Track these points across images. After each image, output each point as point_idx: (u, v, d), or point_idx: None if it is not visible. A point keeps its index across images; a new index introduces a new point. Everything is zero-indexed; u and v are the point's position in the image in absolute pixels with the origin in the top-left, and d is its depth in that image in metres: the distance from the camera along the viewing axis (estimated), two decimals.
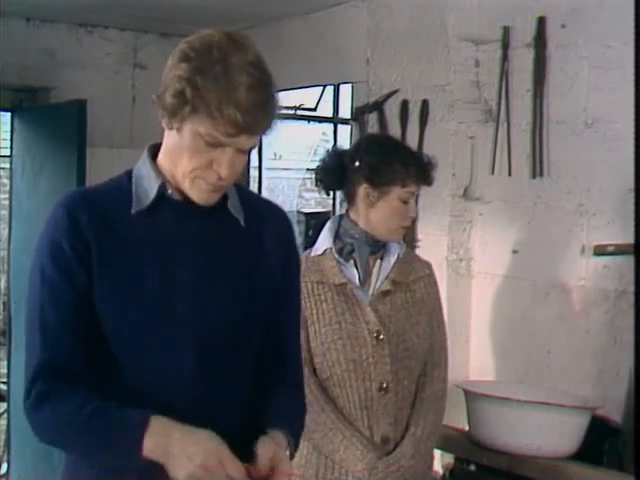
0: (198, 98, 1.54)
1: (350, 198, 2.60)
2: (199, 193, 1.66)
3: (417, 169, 2.56)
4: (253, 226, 1.77)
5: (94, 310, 1.64)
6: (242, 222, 1.74)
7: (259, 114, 1.57)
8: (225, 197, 1.72)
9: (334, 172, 2.61)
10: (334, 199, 5.15)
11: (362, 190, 2.55)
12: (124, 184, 1.71)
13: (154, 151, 1.73)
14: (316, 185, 2.70)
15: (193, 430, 1.56)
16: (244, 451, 1.77)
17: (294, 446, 1.74)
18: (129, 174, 1.73)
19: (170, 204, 1.69)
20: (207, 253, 1.71)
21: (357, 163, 2.56)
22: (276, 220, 1.84)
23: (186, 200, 1.69)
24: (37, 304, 1.65)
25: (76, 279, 1.63)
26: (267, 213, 1.84)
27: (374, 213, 2.55)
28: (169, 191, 1.69)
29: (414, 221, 3.80)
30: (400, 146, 2.70)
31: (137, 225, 1.67)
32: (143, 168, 1.72)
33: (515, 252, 3.60)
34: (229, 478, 1.53)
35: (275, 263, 1.79)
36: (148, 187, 1.69)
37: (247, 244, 1.76)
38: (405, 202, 2.55)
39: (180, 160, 1.63)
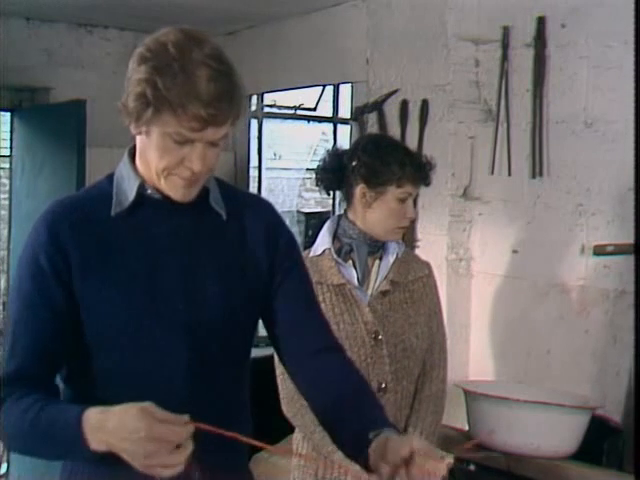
0: (159, 98, 1.53)
1: (348, 198, 2.60)
2: (175, 189, 1.65)
3: (414, 169, 2.54)
4: (236, 218, 1.76)
5: (73, 322, 1.64)
6: (224, 216, 1.74)
7: (222, 105, 1.55)
8: (206, 192, 1.72)
9: (334, 172, 2.61)
10: (334, 199, 5.16)
11: (359, 190, 2.54)
12: (105, 188, 1.71)
13: (134, 153, 1.73)
14: (316, 185, 2.70)
15: (123, 417, 1.47)
16: (242, 450, 1.77)
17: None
18: (110, 177, 1.73)
19: (150, 203, 1.69)
20: (191, 249, 1.70)
21: (354, 163, 2.55)
22: (259, 208, 1.83)
23: (166, 199, 1.69)
24: (14, 312, 1.66)
25: (52, 294, 1.63)
26: (249, 203, 1.82)
27: (371, 213, 2.55)
28: (148, 191, 1.69)
29: (413, 221, 3.82)
30: (397, 146, 2.68)
31: (119, 227, 1.67)
32: (124, 170, 1.72)
33: (515, 252, 3.60)
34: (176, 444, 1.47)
35: (260, 253, 1.77)
36: (128, 188, 1.69)
37: (230, 237, 1.75)
38: (402, 202, 2.54)
39: (152, 160, 1.63)
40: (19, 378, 1.62)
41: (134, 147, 1.72)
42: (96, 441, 1.49)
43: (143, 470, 1.47)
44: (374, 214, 2.54)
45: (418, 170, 2.56)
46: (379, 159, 2.53)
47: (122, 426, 1.46)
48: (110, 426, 1.47)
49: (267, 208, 1.85)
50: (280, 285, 1.79)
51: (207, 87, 1.53)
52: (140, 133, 1.62)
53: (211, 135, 1.58)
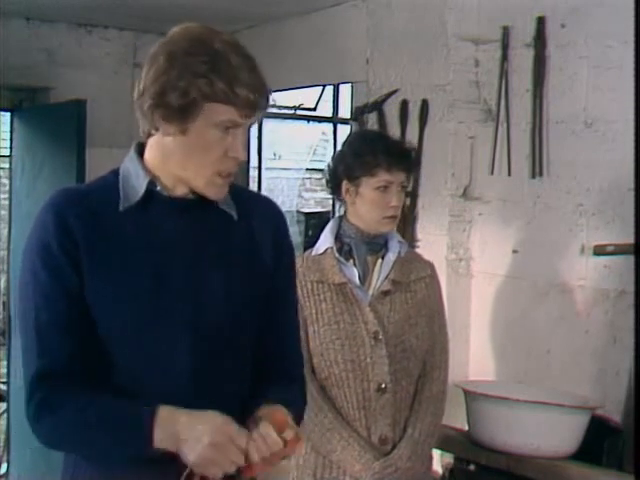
0: (209, 87, 1.58)
1: (342, 198, 2.60)
2: (215, 189, 1.68)
3: (387, 157, 2.50)
4: (245, 219, 1.76)
5: (88, 309, 1.64)
6: (235, 216, 1.74)
7: (265, 89, 1.64)
8: None
9: (333, 176, 2.61)
10: (334, 199, 5.15)
11: (344, 187, 2.56)
12: (111, 182, 1.71)
13: (141, 148, 1.72)
14: (330, 194, 2.72)
15: (200, 413, 1.57)
16: None
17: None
18: (116, 172, 1.73)
19: (159, 201, 1.69)
20: (199, 249, 1.70)
21: (337, 163, 2.57)
22: (266, 211, 1.84)
23: (175, 197, 1.69)
24: (31, 308, 1.64)
25: (68, 280, 1.63)
26: (257, 205, 1.83)
27: (357, 208, 2.55)
28: (158, 187, 1.68)
29: (415, 217, 3.82)
30: (371, 137, 2.65)
31: (126, 222, 1.67)
32: (131, 166, 1.71)
33: (515, 252, 3.60)
34: (240, 451, 1.55)
35: (267, 254, 1.78)
36: (136, 184, 1.68)
37: (239, 238, 1.75)
38: (383, 192, 2.51)
39: (191, 161, 1.64)
40: (55, 375, 1.61)
41: (141, 143, 1.72)
42: (162, 437, 1.54)
43: (194, 467, 1.54)
44: (359, 208, 2.54)
45: (392, 157, 2.51)
46: (353, 153, 2.54)
47: (192, 424, 1.54)
48: (182, 422, 1.54)
49: (275, 211, 1.86)
50: (270, 306, 1.80)
51: (250, 74, 1.61)
52: (171, 134, 1.62)
53: (254, 120, 1.66)
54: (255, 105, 1.62)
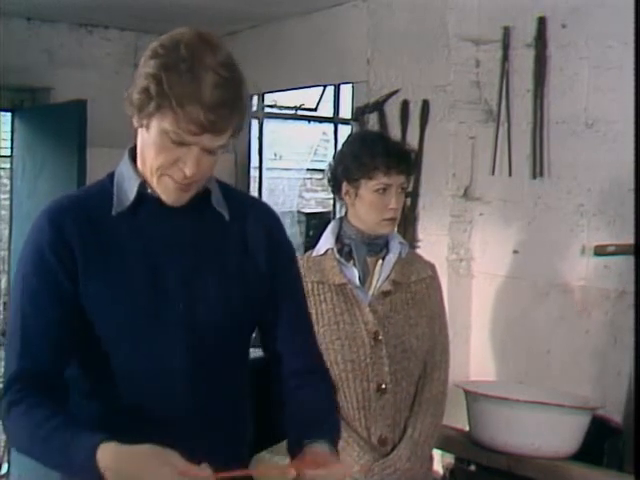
0: (162, 95, 1.52)
1: (342, 199, 2.60)
2: (166, 191, 1.65)
3: (385, 160, 2.49)
4: (238, 220, 1.76)
5: (81, 316, 1.64)
6: (227, 217, 1.74)
7: (224, 113, 1.53)
8: (208, 193, 1.72)
9: (333, 177, 2.61)
10: (334, 199, 5.15)
11: (344, 189, 2.56)
12: (107, 186, 1.71)
13: (134, 153, 1.72)
14: (332, 193, 2.72)
15: (142, 464, 1.44)
16: (243, 451, 1.78)
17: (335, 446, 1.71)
18: (111, 176, 1.73)
19: (151, 203, 1.68)
20: (193, 250, 1.70)
21: (337, 164, 2.57)
22: (259, 213, 1.83)
23: None
24: (19, 310, 1.65)
25: (59, 287, 1.63)
26: (250, 207, 1.82)
27: (356, 209, 2.55)
28: (149, 190, 1.68)
29: (416, 218, 3.82)
30: (371, 139, 2.64)
31: (120, 226, 1.67)
32: (124, 169, 1.71)
33: (515, 252, 3.60)
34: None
35: (261, 255, 1.77)
36: (128, 188, 1.68)
37: (232, 239, 1.75)
38: (381, 194, 2.50)
39: (148, 157, 1.63)
40: (33, 377, 1.61)
41: (134, 147, 1.72)
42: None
43: None
44: (359, 209, 2.54)
45: (391, 159, 2.50)
46: (352, 155, 2.53)
47: (140, 475, 1.42)
48: (126, 472, 1.44)
49: (268, 212, 1.85)
50: (277, 302, 1.79)
51: (211, 93, 1.51)
52: (141, 126, 1.62)
53: (208, 142, 1.57)
54: (203, 125, 1.52)
